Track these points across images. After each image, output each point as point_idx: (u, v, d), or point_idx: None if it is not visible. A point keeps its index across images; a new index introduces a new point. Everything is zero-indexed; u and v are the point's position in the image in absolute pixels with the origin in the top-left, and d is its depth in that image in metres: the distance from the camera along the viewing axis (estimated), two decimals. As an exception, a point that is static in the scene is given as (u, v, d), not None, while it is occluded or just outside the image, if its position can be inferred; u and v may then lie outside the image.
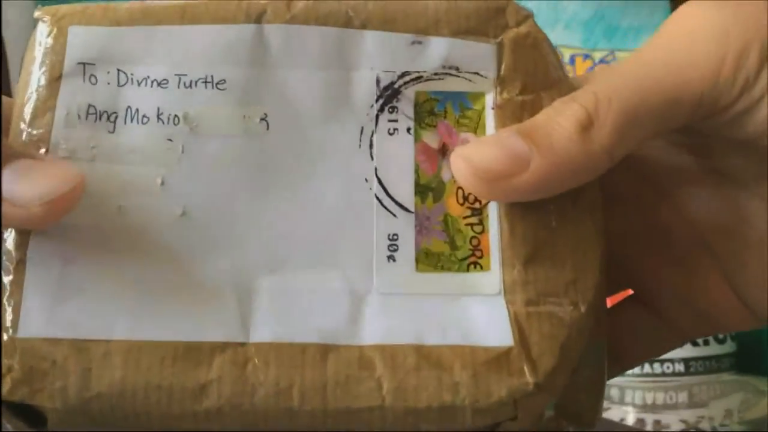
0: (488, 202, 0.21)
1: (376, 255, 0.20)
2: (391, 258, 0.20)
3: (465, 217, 0.21)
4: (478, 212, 0.21)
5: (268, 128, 0.21)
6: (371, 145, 0.21)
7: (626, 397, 0.60)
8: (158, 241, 0.20)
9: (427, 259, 0.21)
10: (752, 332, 0.73)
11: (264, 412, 0.19)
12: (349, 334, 0.19)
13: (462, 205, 0.21)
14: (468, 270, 0.21)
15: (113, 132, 0.21)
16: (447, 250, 0.21)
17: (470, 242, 0.21)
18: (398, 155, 0.21)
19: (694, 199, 0.22)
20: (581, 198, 0.20)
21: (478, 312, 0.20)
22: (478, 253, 0.21)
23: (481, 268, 0.21)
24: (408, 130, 0.21)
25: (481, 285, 0.20)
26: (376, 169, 0.21)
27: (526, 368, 0.19)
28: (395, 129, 0.21)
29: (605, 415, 0.44)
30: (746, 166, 0.21)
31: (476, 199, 0.21)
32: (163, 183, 0.20)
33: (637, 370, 0.71)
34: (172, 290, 0.20)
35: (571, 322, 0.20)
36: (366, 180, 0.21)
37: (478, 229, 0.21)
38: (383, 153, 0.21)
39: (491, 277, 0.20)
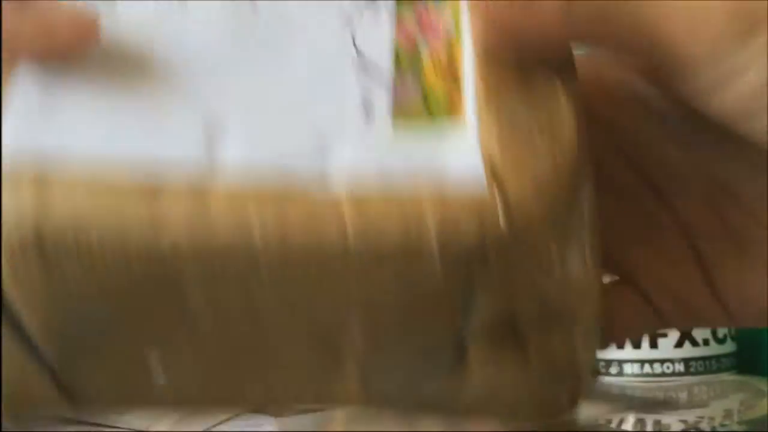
0: (464, 74, 0.21)
1: (350, 109, 0.21)
2: (366, 113, 0.21)
3: (442, 84, 0.22)
4: (456, 81, 0.21)
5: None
6: (351, 23, 0.22)
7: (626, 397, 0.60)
8: (139, 71, 0.21)
9: (401, 116, 0.21)
10: (752, 332, 0.73)
11: (224, 251, 0.18)
12: (316, 174, 0.19)
13: (438, 76, 0.22)
14: (443, 125, 0.21)
15: None
16: (422, 107, 0.21)
17: (446, 101, 0.21)
18: (378, 32, 0.22)
19: (682, 195, 0.22)
20: (556, 65, 0.21)
21: (452, 159, 0.20)
22: (453, 110, 0.21)
23: (457, 123, 0.21)
24: (388, 8, 0.22)
25: (456, 137, 0.20)
26: (354, 40, 0.22)
27: (500, 212, 0.18)
28: (376, 8, 0.22)
29: (605, 415, 0.44)
30: (735, 169, 0.21)
31: (453, 72, 0.22)
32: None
33: (637, 370, 0.71)
34: (142, 113, 0.20)
35: (551, 168, 0.19)
36: (346, 52, 0.22)
37: (455, 94, 0.21)
38: (363, 30, 0.22)
39: (466, 130, 0.20)
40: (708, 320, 0.24)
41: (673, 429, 0.47)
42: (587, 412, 0.41)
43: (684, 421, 0.48)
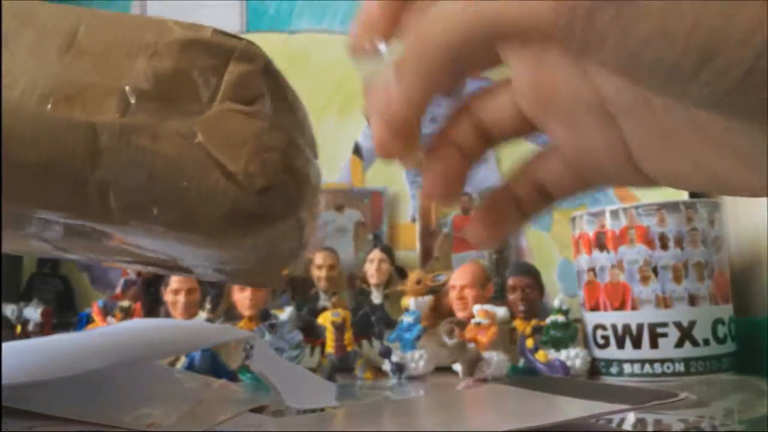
0: None
1: None
2: None
3: None
4: None
5: None
6: None
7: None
8: None
9: None
10: (752, 332, 0.73)
11: None
12: None
13: None
14: None
15: None
16: None
17: None
18: None
19: (599, 72, 0.22)
20: None
21: None
22: None
23: None
24: None
25: None
26: None
27: None
28: None
29: (605, 415, 0.44)
30: None
31: None
32: None
33: (637, 370, 0.72)
34: None
35: None
36: None
37: None
38: None
39: None
40: (625, 181, 0.24)
41: (673, 429, 0.47)
42: (587, 412, 0.41)
43: (684, 421, 0.48)
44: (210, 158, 0.23)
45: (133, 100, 0.23)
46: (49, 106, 0.23)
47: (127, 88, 0.23)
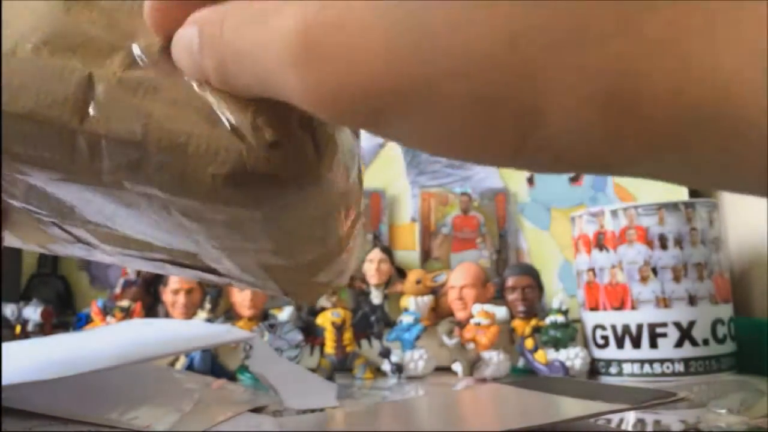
0: None
1: None
2: None
3: None
4: None
5: None
6: None
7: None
8: None
9: None
10: (752, 332, 0.73)
11: None
12: None
13: None
14: None
15: None
16: None
17: None
18: None
19: None
20: None
21: None
22: None
23: None
24: None
25: None
26: None
27: None
28: None
29: (605, 415, 0.44)
30: None
31: None
32: None
33: (637, 370, 0.72)
34: None
35: None
36: None
37: None
38: None
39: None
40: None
41: (673, 429, 0.47)
42: (587, 412, 0.41)
43: (684, 421, 0.48)
44: (213, 110, 0.20)
45: (138, 59, 0.21)
46: (45, 53, 0.21)
47: (134, 46, 0.21)
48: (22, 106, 0.21)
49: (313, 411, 0.52)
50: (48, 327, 0.83)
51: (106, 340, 0.54)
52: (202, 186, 0.20)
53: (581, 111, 0.13)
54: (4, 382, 0.39)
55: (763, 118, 0.11)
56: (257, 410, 0.51)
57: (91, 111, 0.21)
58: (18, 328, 0.81)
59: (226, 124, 0.20)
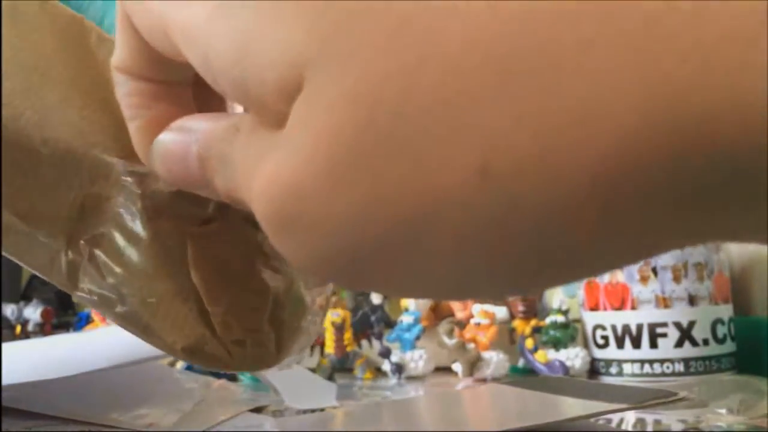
0: None
1: None
2: None
3: None
4: None
5: None
6: None
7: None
8: None
9: None
10: (752, 332, 0.73)
11: None
12: None
13: None
14: None
15: None
16: None
17: None
18: None
19: None
20: None
21: None
22: None
23: None
24: None
25: None
26: None
27: None
28: None
29: (605, 415, 0.44)
30: None
31: None
32: None
33: (637, 370, 0.72)
34: None
35: None
36: None
37: None
38: None
39: None
40: None
41: (673, 429, 0.47)
42: (587, 411, 0.41)
43: (684, 421, 0.48)
44: (190, 286, 0.21)
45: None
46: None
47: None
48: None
49: (313, 411, 0.52)
50: (48, 327, 0.83)
51: (104, 341, 0.55)
52: (162, 343, 0.21)
53: None
54: (4, 382, 0.39)
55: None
56: (257, 410, 0.51)
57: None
58: (18, 328, 0.81)
59: (196, 307, 0.20)
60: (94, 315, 0.81)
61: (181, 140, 0.17)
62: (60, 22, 0.23)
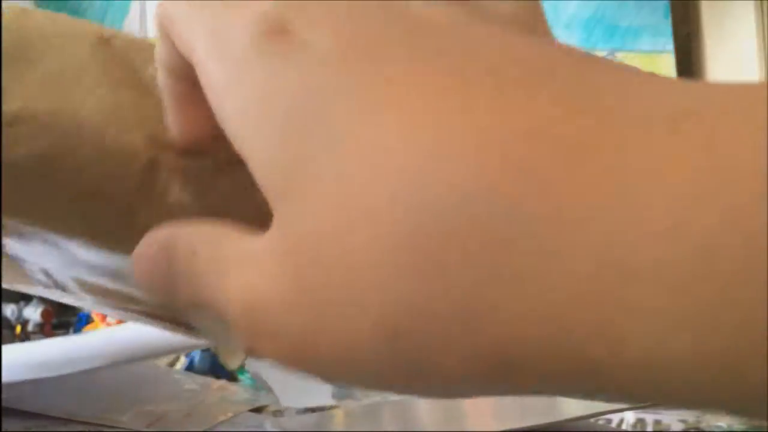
0: None
1: None
2: None
3: None
4: None
5: None
6: None
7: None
8: None
9: None
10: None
11: None
12: None
13: None
14: None
15: None
16: None
17: None
18: None
19: None
20: None
21: None
22: None
23: None
24: None
25: None
26: None
27: None
28: None
29: (605, 415, 0.44)
30: None
31: None
32: None
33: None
34: None
35: None
36: None
37: None
38: None
39: None
40: None
41: (673, 429, 0.47)
42: (587, 411, 0.41)
43: (684, 421, 0.48)
44: None
45: None
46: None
47: None
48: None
49: (313, 410, 0.52)
50: (48, 327, 0.83)
51: (103, 342, 0.55)
52: None
53: None
54: (4, 382, 0.39)
55: None
56: (257, 410, 0.51)
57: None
58: (18, 328, 0.81)
59: None
60: (94, 315, 0.81)
61: (152, 258, 0.18)
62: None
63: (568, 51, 0.15)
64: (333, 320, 0.14)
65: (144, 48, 0.23)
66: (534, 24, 0.18)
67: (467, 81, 0.14)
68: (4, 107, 0.20)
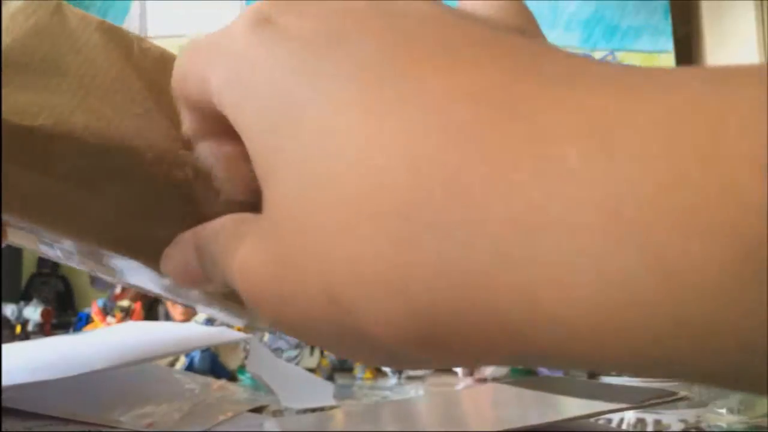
0: None
1: None
2: None
3: None
4: None
5: None
6: None
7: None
8: None
9: None
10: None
11: None
12: None
13: None
14: None
15: None
16: None
17: None
18: None
19: None
20: None
21: None
22: None
23: None
24: None
25: None
26: None
27: None
28: None
29: (605, 415, 0.44)
30: None
31: None
32: None
33: (637, 369, 0.71)
34: None
35: None
36: None
37: None
38: None
39: None
40: None
41: (673, 429, 0.47)
42: (587, 411, 0.41)
43: (684, 421, 0.48)
44: None
45: None
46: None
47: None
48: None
49: (313, 410, 0.52)
50: (48, 327, 0.83)
51: (103, 342, 0.55)
52: None
53: None
54: (4, 382, 0.39)
55: None
56: (257, 410, 0.51)
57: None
58: (18, 328, 0.81)
59: None
60: (94, 315, 0.81)
61: (181, 256, 0.21)
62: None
63: (544, 45, 0.15)
64: (293, 288, 0.16)
65: (166, 60, 0.23)
66: (524, 25, 0.18)
67: (422, 56, 0.14)
68: (38, 122, 0.20)
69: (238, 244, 0.18)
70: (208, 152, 0.20)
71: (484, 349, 0.14)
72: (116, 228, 0.22)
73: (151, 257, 0.22)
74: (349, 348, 0.16)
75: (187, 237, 0.21)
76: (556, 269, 0.12)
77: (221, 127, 0.19)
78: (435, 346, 0.14)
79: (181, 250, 0.21)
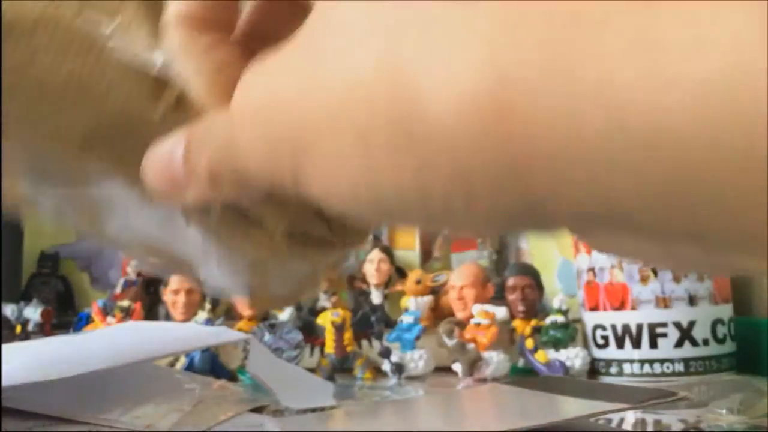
0: None
1: None
2: None
3: None
4: None
5: None
6: None
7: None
8: None
9: None
10: (752, 332, 0.73)
11: None
12: None
13: None
14: None
15: None
16: None
17: None
18: None
19: None
20: None
21: None
22: None
23: None
24: None
25: None
26: None
27: None
28: None
29: (605, 415, 0.44)
30: None
31: None
32: None
33: (637, 369, 0.72)
34: None
35: None
36: None
37: None
38: None
39: None
40: None
41: (673, 429, 0.47)
42: (587, 411, 0.41)
43: (684, 421, 0.48)
44: None
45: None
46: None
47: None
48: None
49: (313, 410, 0.52)
50: (48, 327, 0.83)
51: (103, 342, 0.55)
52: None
53: None
54: (4, 382, 0.39)
55: None
56: (257, 410, 0.51)
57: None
58: (18, 328, 0.81)
59: None
60: (94, 315, 0.81)
61: (168, 149, 0.20)
62: None
63: None
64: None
65: None
66: None
67: None
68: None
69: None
70: (191, 68, 0.20)
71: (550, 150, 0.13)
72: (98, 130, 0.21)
73: (133, 165, 0.21)
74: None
75: (175, 135, 0.20)
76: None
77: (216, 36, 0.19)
78: (507, 120, 0.13)
79: (168, 144, 0.20)
